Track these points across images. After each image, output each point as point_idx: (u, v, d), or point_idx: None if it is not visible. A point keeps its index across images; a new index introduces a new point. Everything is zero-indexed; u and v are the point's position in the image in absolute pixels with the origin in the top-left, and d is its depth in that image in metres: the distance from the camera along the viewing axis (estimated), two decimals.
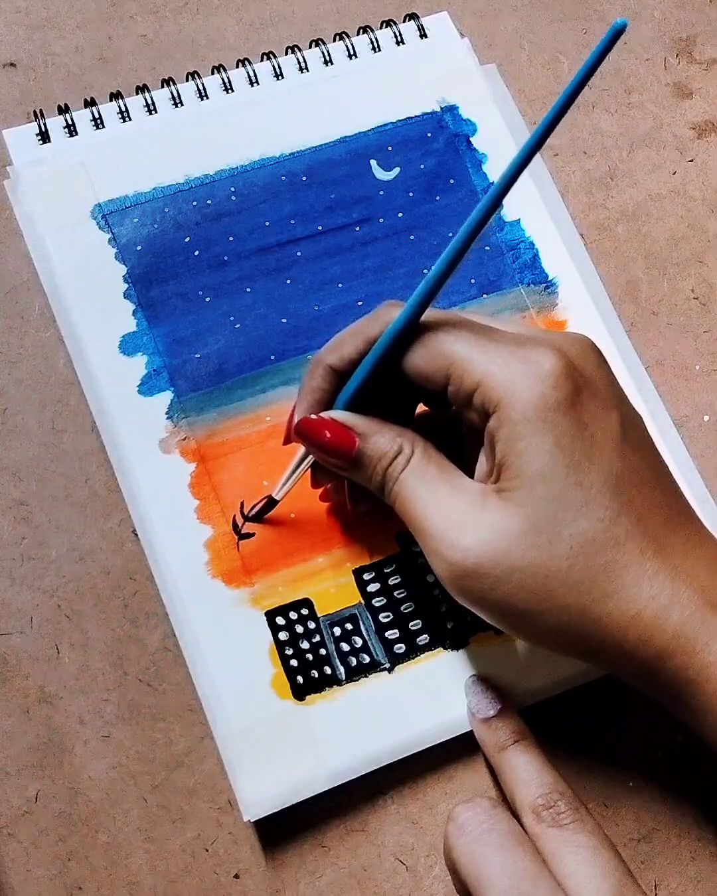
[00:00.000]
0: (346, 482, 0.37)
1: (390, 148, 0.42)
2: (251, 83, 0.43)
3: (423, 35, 0.45)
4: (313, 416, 0.33)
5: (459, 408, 0.32)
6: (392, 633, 0.37)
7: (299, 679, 0.36)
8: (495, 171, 0.43)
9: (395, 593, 0.38)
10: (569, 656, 0.32)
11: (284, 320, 0.40)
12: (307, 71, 0.44)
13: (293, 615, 0.37)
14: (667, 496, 0.31)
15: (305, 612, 0.37)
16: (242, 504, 0.38)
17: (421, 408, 0.36)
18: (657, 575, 0.29)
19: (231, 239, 0.41)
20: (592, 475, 0.29)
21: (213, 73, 0.43)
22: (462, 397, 0.31)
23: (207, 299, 0.40)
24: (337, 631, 0.37)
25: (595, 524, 0.29)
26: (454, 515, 0.30)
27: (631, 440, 0.31)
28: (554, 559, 0.29)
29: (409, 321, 0.31)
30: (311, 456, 0.35)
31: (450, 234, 0.41)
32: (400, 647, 0.37)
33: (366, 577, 0.38)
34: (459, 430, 0.35)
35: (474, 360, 0.30)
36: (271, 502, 0.37)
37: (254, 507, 0.38)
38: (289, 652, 0.37)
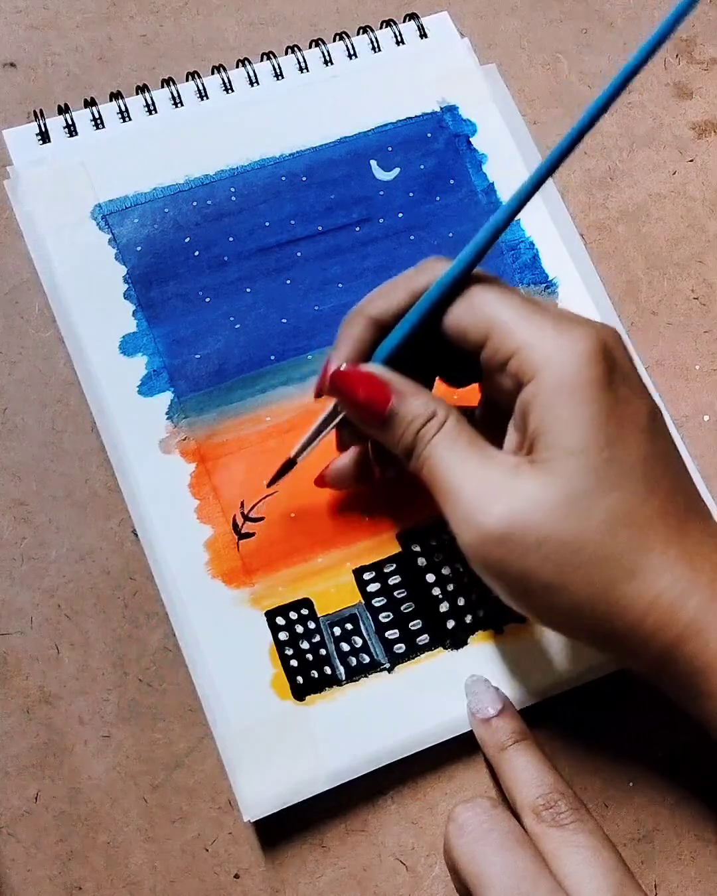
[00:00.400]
0: (370, 445, 0.36)
1: (390, 148, 0.42)
2: (251, 83, 0.43)
3: (423, 35, 0.45)
4: (350, 368, 0.32)
5: (489, 374, 0.31)
6: (392, 633, 0.37)
7: (299, 679, 0.36)
8: (495, 171, 0.43)
9: (395, 593, 0.38)
10: (583, 641, 0.31)
11: (284, 320, 0.40)
12: (307, 71, 0.44)
13: (293, 615, 0.37)
14: (686, 487, 0.31)
15: (305, 612, 0.37)
16: (242, 504, 0.38)
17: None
18: (678, 560, 0.29)
19: (231, 239, 0.41)
20: (624, 453, 0.29)
21: (213, 73, 0.43)
22: (498, 361, 0.30)
23: (207, 299, 0.40)
24: (337, 631, 0.37)
25: (627, 503, 0.29)
26: (486, 484, 0.29)
27: (657, 428, 0.30)
28: (586, 532, 0.29)
29: (461, 274, 0.30)
30: (335, 418, 0.34)
31: (451, 235, 0.42)
32: (400, 647, 0.37)
33: (366, 577, 0.38)
34: (472, 415, 0.34)
35: (517, 325, 0.30)
36: (290, 463, 0.36)
37: (274, 472, 0.36)
38: (289, 652, 0.37)
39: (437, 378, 0.35)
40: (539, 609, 0.31)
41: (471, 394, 0.35)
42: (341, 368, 0.32)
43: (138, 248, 0.40)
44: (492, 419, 0.33)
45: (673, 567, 0.29)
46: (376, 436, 0.33)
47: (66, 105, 0.42)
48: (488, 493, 0.29)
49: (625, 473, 0.29)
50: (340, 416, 0.34)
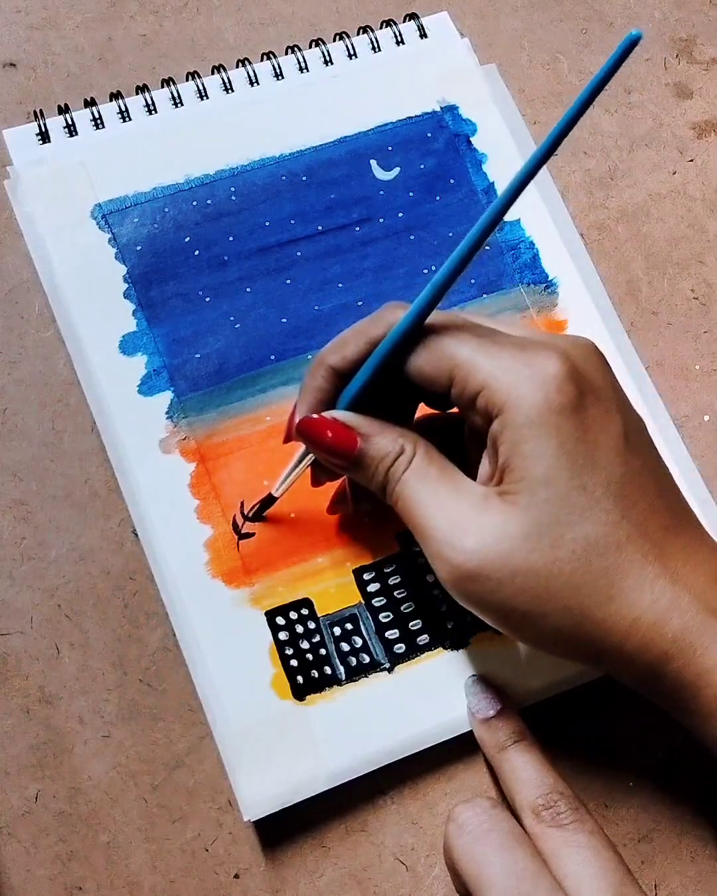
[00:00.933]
0: (348, 481, 0.37)
1: (390, 148, 0.42)
2: (251, 83, 0.43)
3: (423, 35, 0.45)
4: (315, 416, 0.33)
5: (462, 411, 0.32)
6: (392, 633, 0.37)
7: (299, 679, 0.36)
8: (495, 171, 0.43)
9: (395, 593, 0.38)
10: (570, 661, 0.32)
11: (284, 320, 0.40)
12: (307, 71, 0.44)
13: (293, 615, 0.37)
14: (668, 501, 0.31)
15: (305, 612, 0.37)
16: (242, 504, 0.38)
17: (422, 410, 0.36)
18: (657, 579, 0.29)
19: (231, 239, 0.41)
20: (595, 479, 0.29)
21: (213, 73, 0.43)
22: (466, 400, 0.31)
23: (207, 299, 0.40)
24: (337, 631, 0.37)
25: (598, 528, 0.29)
26: (456, 517, 0.30)
27: (633, 445, 0.30)
28: (556, 562, 0.29)
29: (413, 324, 0.31)
30: (311, 454, 0.35)
31: (451, 235, 0.42)
32: (400, 647, 0.37)
33: (366, 576, 0.38)
34: (461, 431, 0.35)
35: (478, 363, 0.30)
36: (270, 499, 0.37)
37: (253, 506, 0.38)
38: (289, 652, 0.37)
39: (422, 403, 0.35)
40: (522, 635, 0.31)
41: None
42: (306, 418, 0.33)
43: (138, 248, 0.40)
44: (477, 447, 0.33)
45: (653, 586, 0.29)
46: (351, 476, 0.34)
47: (66, 105, 0.42)
48: (459, 527, 0.30)
49: (597, 500, 0.29)
50: (311, 457, 0.35)
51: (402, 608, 0.38)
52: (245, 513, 0.38)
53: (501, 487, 0.30)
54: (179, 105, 0.43)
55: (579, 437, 0.29)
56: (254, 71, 0.43)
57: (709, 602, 0.29)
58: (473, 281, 0.41)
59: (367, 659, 0.37)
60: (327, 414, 0.33)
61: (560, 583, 0.29)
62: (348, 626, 0.37)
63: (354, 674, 0.37)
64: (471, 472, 0.32)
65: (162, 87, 0.43)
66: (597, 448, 0.30)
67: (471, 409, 0.31)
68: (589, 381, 0.30)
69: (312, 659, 0.37)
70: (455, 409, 0.34)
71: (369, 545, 0.38)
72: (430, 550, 0.31)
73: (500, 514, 0.29)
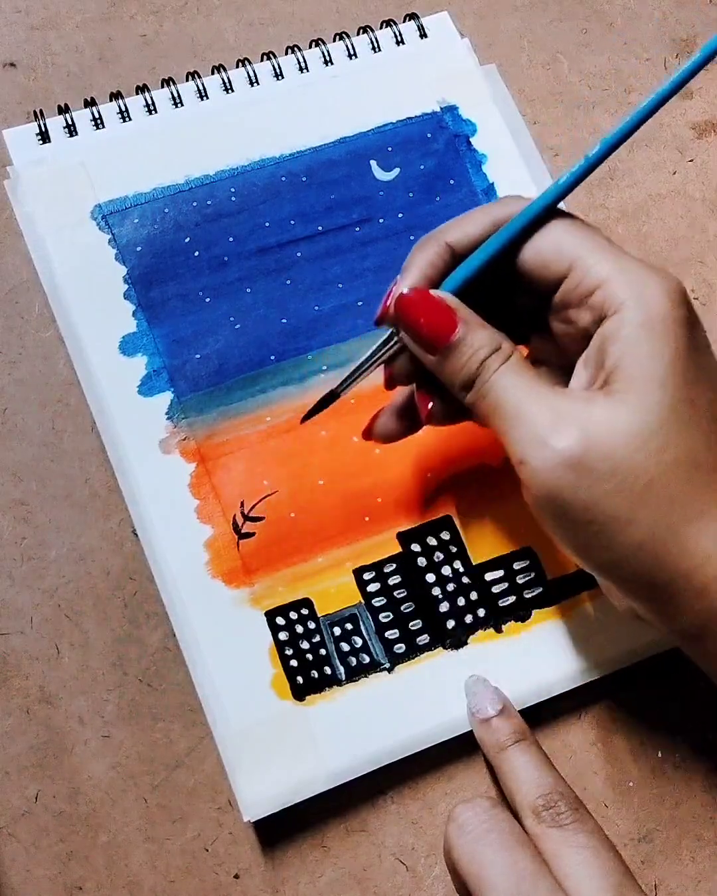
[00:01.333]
0: (417, 388, 0.34)
1: (389, 148, 0.42)
2: (251, 83, 0.43)
3: (423, 35, 0.45)
4: (421, 291, 0.31)
5: (568, 308, 0.31)
6: (392, 633, 0.37)
7: (299, 679, 0.36)
8: (495, 171, 0.43)
9: (395, 593, 0.38)
10: (630, 593, 0.30)
11: (284, 321, 0.40)
12: (307, 71, 0.44)
13: (293, 615, 0.37)
14: None
15: (305, 612, 0.37)
16: (242, 504, 0.38)
17: None
18: None
19: (231, 239, 0.41)
20: (702, 396, 0.29)
21: (213, 73, 0.43)
22: (579, 294, 0.30)
23: (207, 300, 0.40)
24: (337, 631, 0.37)
25: (700, 443, 0.28)
26: (559, 407, 0.29)
27: None
28: (660, 465, 0.28)
29: (545, 207, 0.30)
30: (386, 352, 0.33)
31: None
32: (400, 647, 0.37)
33: (366, 577, 0.38)
34: None
35: (603, 259, 0.30)
36: (332, 395, 0.35)
37: (313, 405, 0.35)
38: (289, 652, 0.37)
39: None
40: (598, 547, 0.29)
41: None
42: (409, 292, 0.31)
43: (138, 249, 0.40)
44: (558, 365, 0.32)
45: None
46: (435, 367, 0.31)
47: (66, 105, 0.42)
48: (560, 416, 0.29)
49: (699, 416, 0.29)
50: (394, 347, 0.33)
51: (402, 608, 0.38)
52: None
53: (608, 387, 0.29)
54: (179, 105, 0.43)
55: (690, 353, 0.29)
56: (254, 71, 0.43)
57: None
58: None
59: (367, 659, 0.37)
60: (434, 292, 0.31)
61: (658, 489, 0.28)
62: (348, 626, 0.37)
63: (354, 674, 0.37)
64: None
65: (162, 87, 0.43)
66: (702, 371, 0.29)
67: (580, 306, 0.30)
68: (694, 312, 0.30)
69: (312, 659, 0.37)
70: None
71: (369, 545, 0.38)
72: (525, 438, 0.29)
73: (608, 409, 0.28)
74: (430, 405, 0.33)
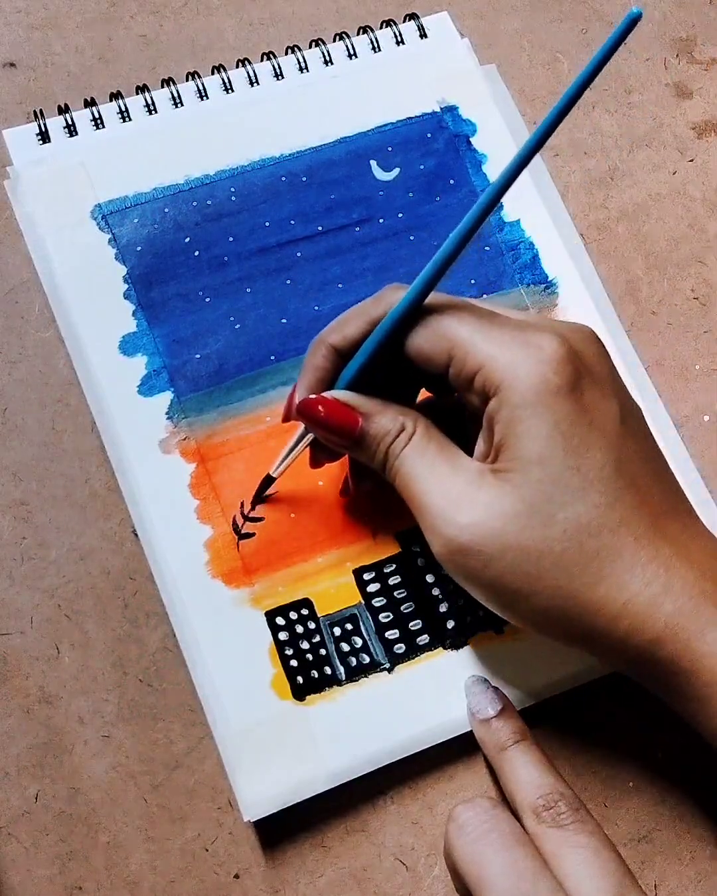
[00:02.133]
0: (349, 463, 0.37)
1: (390, 148, 0.42)
2: (251, 83, 0.43)
3: (423, 35, 0.45)
4: (315, 396, 0.33)
5: (460, 391, 0.32)
6: (392, 633, 0.37)
7: (299, 679, 0.36)
8: (495, 171, 0.43)
9: (395, 593, 0.38)
10: (560, 642, 0.32)
11: (284, 320, 0.40)
12: (307, 71, 0.44)
13: (293, 615, 0.37)
14: (663, 486, 0.31)
15: (305, 612, 0.37)
16: (242, 504, 0.38)
17: (423, 393, 0.36)
18: (650, 563, 0.29)
19: (231, 239, 0.41)
20: (589, 460, 0.29)
21: (213, 73, 0.43)
22: (464, 380, 0.31)
23: (207, 300, 0.40)
24: (337, 631, 0.37)
25: (590, 509, 0.29)
26: (452, 492, 0.30)
27: (629, 429, 0.31)
28: (547, 541, 0.29)
29: (413, 302, 0.31)
30: (309, 435, 0.35)
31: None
32: (400, 647, 0.37)
33: (366, 577, 0.38)
34: (462, 414, 0.35)
35: (477, 342, 0.30)
36: (269, 480, 0.37)
37: (256, 488, 0.38)
38: (289, 652, 0.37)
39: (422, 387, 0.36)
40: (512, 612, 0.31)
41: None
42: (306, 398, 0.33)
43: (138, 248, 0.40)
44: (477, 429, 0.33)
45: (645, 570, 0.29)
46: (352, 455, 0.34)
47: (66, 105, 0.42)
48: (453, 502, 0.30)
49: (590, 481, 0.29)
50: (311, 437, 0.35)
51: (402, 608, 0.38)
52: (247, 506, 0.38)
53: (495, 465, 0.30)
54: (179, 105, 0.43)
55: (574, 419, 0.29)
56: (254, 71, 0.43)
57: (703, 587, 0.29)
58: (473, 281, 0.41)
59: (367, 659, 0.37)
60: (328, 394, 0.33)
61: (550, 562, 0.29)
62: (348, 626, 0.37)
63: (355, 674, 0.37)
64: (471, 453, 0.32)
65: (162, 87, 0.43)
66: (592, 430, 0.30)
67: (469, 388, 0.31)
68: (587, 365, 0.30)
69: (312, 659, 0.37)
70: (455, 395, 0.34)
71: (369, 545, 0.38)
72: (425, 524, 0.31)
73: (493, 491, 0.30)
74: (357, 484, 0.37)
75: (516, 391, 0.29)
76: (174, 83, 0.43)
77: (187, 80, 0.43)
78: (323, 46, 0.44)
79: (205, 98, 0.43)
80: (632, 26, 0.26)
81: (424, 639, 0.37)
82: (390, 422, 0.32)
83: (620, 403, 0.31)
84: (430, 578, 0.38)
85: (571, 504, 0.29)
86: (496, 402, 0.30)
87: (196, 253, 0.41)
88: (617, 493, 0.29)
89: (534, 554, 0.29)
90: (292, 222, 0.41)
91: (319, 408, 0.32)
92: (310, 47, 0.44)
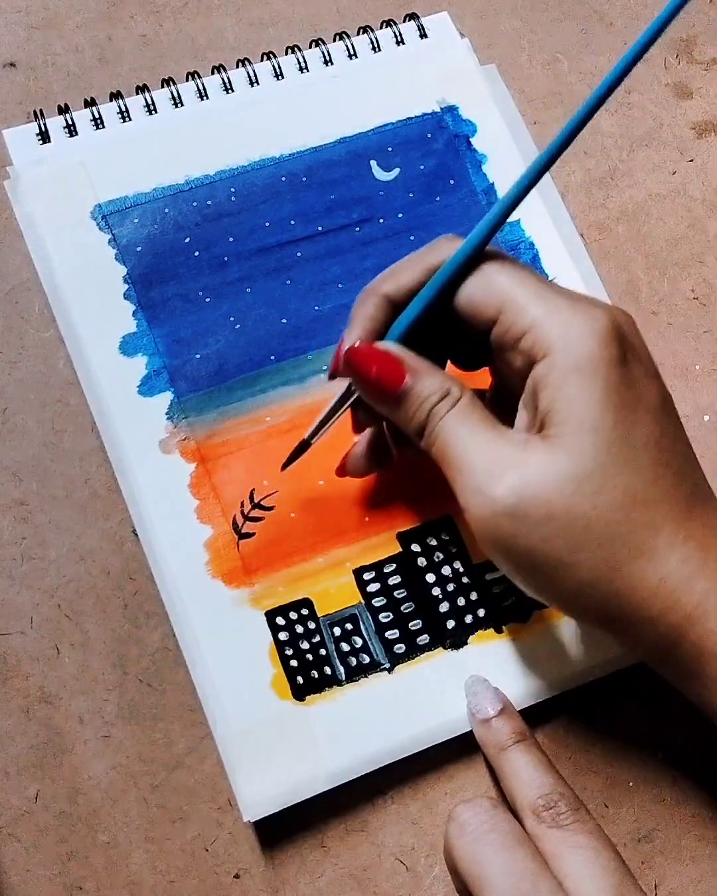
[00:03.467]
0: (386, 426, 0.36)
1: (390, 148, 0.42)
2: (251, 83, 0.43)
3: (423, 35, 0.45)
4: (366, 345, 0.32)
5: (502, 350, 0.31)
6: (392, 633, 0.37)
7: (299, 679, 0.36)
8: (495, 171, 0.43)
9: (395, 593, 0.38)
10: (588, 623, 0.31)
11: (284, 321, 0.40)
12: (307, 71, 0.44)
13: (293, 615, 0.37)
14: (695, 470, 0.31)
15: (305, 612, 0.37)
16: (242, 504, 0.38)
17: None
18: (687, 542, 0.29)
19: (231, 239, 0.41)
20: (637, 433, 0.29)
21: (213, 73, 0.43)
22: (510, 338, 0.30)
23: (208, 300, 0.40)
24: (337, 631, 0.37)
25: (638, 480, 0.29)
26: (498, 456, 0.29)
27: (668, 411, 0.30)
28: (596, 509, 0.28)
29: (474, 251, 0.30)
30: (349, 399, 0.34)
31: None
32: (400, 647, 0.37)
33: (366, 577, 0.38)
34: (482, 398, 0.34)
35: (531, 302, 0.30)
36: (304, 445, 0.36)
37: (288, 456, 0.36)
38: (289, 652, 0.37)
39: (448, 363, 0.35)
40: (546, 587, 0.30)
41: (481, 377, 0.35)
42: (355, 346, 0.32)
43: (138, 249, 0.40)
44: (502, 402, 0.33)
45: (681, 548, 0.29)
46: (389, 414, 0.32)
47: (66, 105, 0.42)
48: (498, 465, 0.29)
49: (636, 453, 0.29)
50: (354, 397, 0.34)
51: (402, 608, 0.38)
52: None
53: (544, 432, 0.29)
54: (179, 105, 0.43)
55: (623, 391, 0.29)
56: (254, 71, 0.43)
57: None
58: None
59: (367, 659, 0.37)
60: (378, 345, 0.32)
61: (597, 531, 0.28)
62: (348, 626, 0.37)
63: (354, 674, 0.37)
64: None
65: (162, 87, 0.43)
66: (638, 406, 0.29)
67: (512, 349, 0.30)
68: (632, 344, 0.30)
69: (312, 659, 0.37)
70: (478, 373, 0.34)
71: (369, 545, 0.38)
72: (466, 487, 0.30)
73: (543, 455, 0.29)
74: (399, 450, 0.36)
75: (569, 355, 0.29)
76: (174, 83, 0.43)
77: (187, 80, 0.43)
78: (323, 46, 0.44)
79: (205, 98, 0.43)
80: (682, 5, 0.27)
81: (424, 639, 0.37)
82: (437, 383, 0.31)
83: (659, 385, 0.31)
84: (430, 578, 0.38)
85: (620, 474, 0.29)
86: (545, 365, 0.29)
87: (196, 253, 0.41)
88: (659, 469, 0.29)
89: (582, 522, 0.28)
90: (292, 222, 0.41)
91: (367, 358, 0.31)
92: (310, 47, 0.44)
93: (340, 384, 0.34)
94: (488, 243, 0.31)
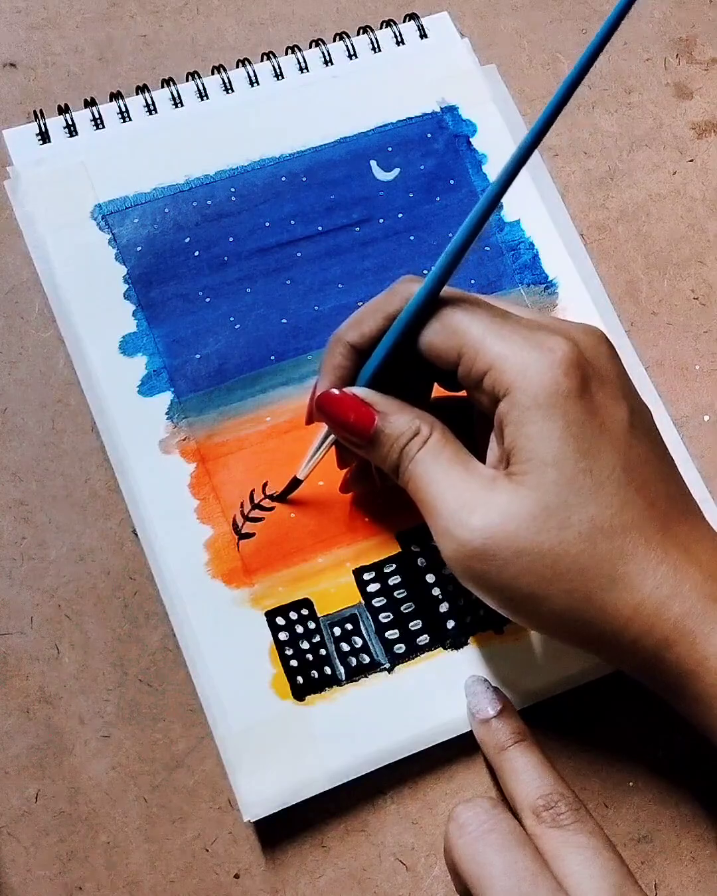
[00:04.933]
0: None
1: (390, 148, 0.42)
2: (251, 83, 0.43)
3: (423, 35, 0.45)
4: (335, 392, 0.33)
5: (469, 391, 0.32)
6: (392, 633, 0.37)
7: (299, 679, 0.36)
8: (495, 171, 0.43)
9: (395, 593, 0.38)
10: (571, 646, 0.32)
11: (284, 321, 0.40)
12: (307, 71, 0.44)
13: (293, 615, 0.37)
14: (671, 488, 0.31)
15: (305, 612, 0.37)
16: (242, 504, 0.38)
17: (436, 392, 0.36)
18: (660, 565, 0.29)
19: (231, 239, 0.41)
20: (601, 463, 0.29)
21: (213, 73, 0.43)
22: (473, 379, 0.31)
23: (207, 300, 0.40)
24: (337, 631, 0.37)
25: (604, 511, 0.29)
26: (465, 496, 0.30)
27: (639, 431, 0.31)
28: (562, 544, 0.29)
29: (428, 296, 0.31)
30: (330, 438, 0.35)
31: (451, 235, 0.42)
32: (400, 647, 0.37)
33: (366, 577, 0.38)
34: (471, 414, 0.35)
35: (487, 342, 0.30)
36: (295, 482, 0.37)
37: (282, 490, 0.38)
38: (289, 652, 0.37)
39: (435, 383, 0.35)
40: (524, 617, 0.31)
41: None
42: (327, 393, 0.33)
43: (138, 249, 0.40)
44: (485, 424, 0.33)
45: (656, 572, 0.29)
46: (366, 456, 0.33)
47: (66, 105, 0.42)
48: (467, 505, 0.30)
49: (601, 483, 0.29)
50: (333, 437, 0.35)
51: (402, 608, 0.38)
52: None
53: (509, 469, 0.30)
54: (179, 105, 0.43)
55: (584, 422, 0.29)
56: (254, 71, 0.43)
57: (710, 589, 0.29)
58: (472, 282, 0.41)
59: (367, 659, 0.37)
60: (348, 390, 0.33)
61: (565, 564, 0.29)
62: (348, 626, 0.37)
63: (354, 674, 0.37)
64: (480, 455, 0.32)
65: (162, 87, 0.43)
66: (602, 433, 0.30)
67: (477, 388, 0.31)
68: (596, 368, 0.31)
69: (312, 659, 0.37)
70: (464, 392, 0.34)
71: (369, 545, 0.38)
72: (437, 528, 0.31)
73: (508, 494, 0.30)
74: (382, 480, 0.37)
75: (527, 393, 0.29)
76: (174, 83, 0.43)
77: (187, 80, 0.43)
78: (323, 46, 0.44)
79: (205, 98, 0.43)
80: (627, 9, 0.27)
81: (424, 639, 0.37)
82: (407, 423, 0.32)
83: (629, 406, 0.31)
84: (430, 578, 0.38)
85: (585, 506, 0.29)
86: (507, 403, 0.30)
87: (196, 253, 0.41)
88: (628, 495, 0.30)
89: (550, 556, 0.29)
90: (292, 222, 0.41)
91: (337, 405, 0.32)
92: (310, 47, 0.44)
93: (322, 424, 0.35)
94: (446, 284, 0.31)
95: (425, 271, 0.41)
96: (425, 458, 0.31)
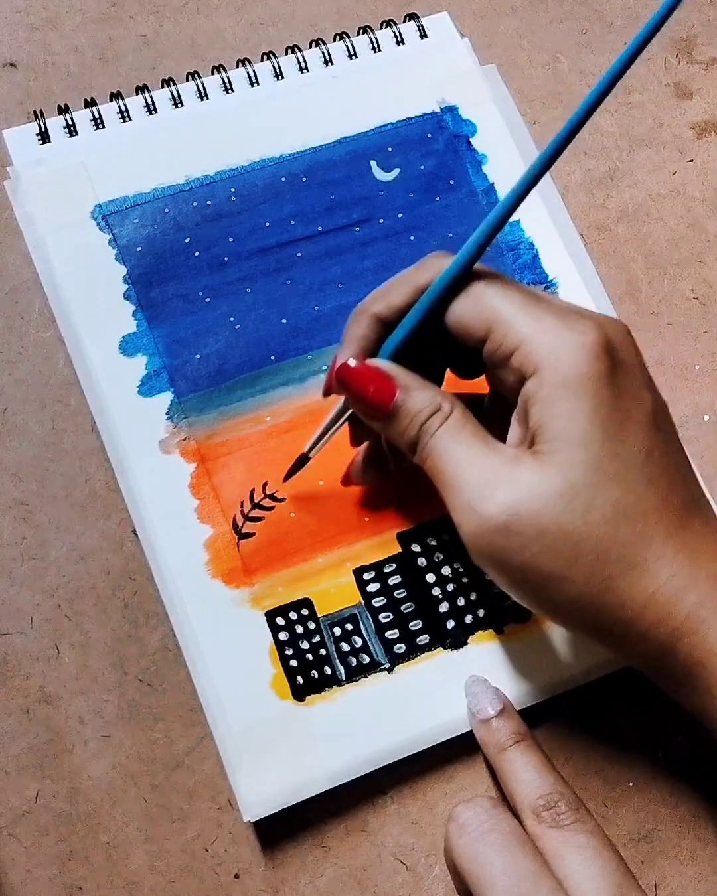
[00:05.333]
0: (384, 439, 0.36)
1: (390, 148, 0.42)
2: (251, 83, 0.43)
3: (423, 35, 0.45)
4: (356, 363, 0.32)
5: (493, 367, 0.31)
6: (392, 633, 0.37)
7: (299, 679, 0.36)
8: (495, 171, 0.43)
9: (395, 593, 0.38)
10: (581, 634, 0.32)
11: (284, 321, 0.40)
12: (307, 71, 0.44)
13: (293, 615, 0.37)
14: (688, 481, 0.31)
15: (305, 612, 0.37)
16: (242, 504, 0.38)
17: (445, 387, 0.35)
18: (677, 554, 0.29)
19: (231, 239, 0.41)
20: (626, 447, 0.29)
21: (213, 73, 0.43)
22: (500, 356, 0.30)
23: (207, 300, 0.40)
24: (337, 631, 0.37)
25: (627, 496, 0.29)
26: (488, 473, 0.30)
27: (660, 423, 0.31)
28: (586, 525, 0.29)
29: (462, 269, 0.31)
30: (345, 414, 0.34)
31: (451, 235, 0.42)
32: (400, 647, 0.37)
33: (366, 577, 0.38)
34: (480, 408, 0.34)
35: (519, 320, 0.30)
36: (303, 459, 0.36)
37: (288, 469, 0.37)
38: (289, 652, 0.37)
39: (447, 370, 0.35)
40: (539, 601, 0.31)
41: (481, 384, 0.35)
42: (347, 364, 0.32)
43: (138, 249, 0.40)
44: (499, 411, 0.33)
45: (673, 560, 0.29)
46: (382, 430, 0.33)
47: (66, 105, 0.42)
48: (489, 482, 0.29)
49: (626, 467, 0.29)
50: (350, 412, 0.34)
51: (402, 608, 0.38)
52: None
53: (533, 448, 0.30)
54: (179, 105, 0.43)
55: (612, 405, 0.29)
56: (254, 71, 0.43)
57: None
58: None
59: (367, 659, 0.37)
60: (370, 362, 0.32)
61: (588, 546, 0.29)
62: (348, 626, 0.37)
63: (354, 674, 0.37)
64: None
65: (162, 87, 0.43)
66: (628, 419, 0.30)
67: (503, 366, 0.31)
68: (623, 357, 0.30)
69: (312, 659, 0.37)
70: (477, 380, 0.34)
71: (369, 545, 0.38)
72: (458, 504, 0.30)
73: (533, 472, 0.29)
74: (396, 462, 0.36)
75: (558, 372, 0.29)
76: (174, 83, 0.43)
77: (187, 80, 0.43)
78: (323, 46, 0.44)
79: (205, 98, 0.43)
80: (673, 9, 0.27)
81: (424, 639, 0.37)
82: (428, 399, 0.31)
83: (653, 397, 0.31)
84: (430, 578, 0.38)
85: (609, 489, 0.29)
86: (535, 382, 0.29)
87: (196, 253, 0.41)
88: (650, 481, 0.29)
89: (573, 537, 0.29)
90: (292, 222, 0.41)
91: (358, 376, 0.32)
92: (310, 47, 0.44)
93: (337, 397, 0.34)
94: (478, 260, 0.31)
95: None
96: (445, 435, 0.31)
